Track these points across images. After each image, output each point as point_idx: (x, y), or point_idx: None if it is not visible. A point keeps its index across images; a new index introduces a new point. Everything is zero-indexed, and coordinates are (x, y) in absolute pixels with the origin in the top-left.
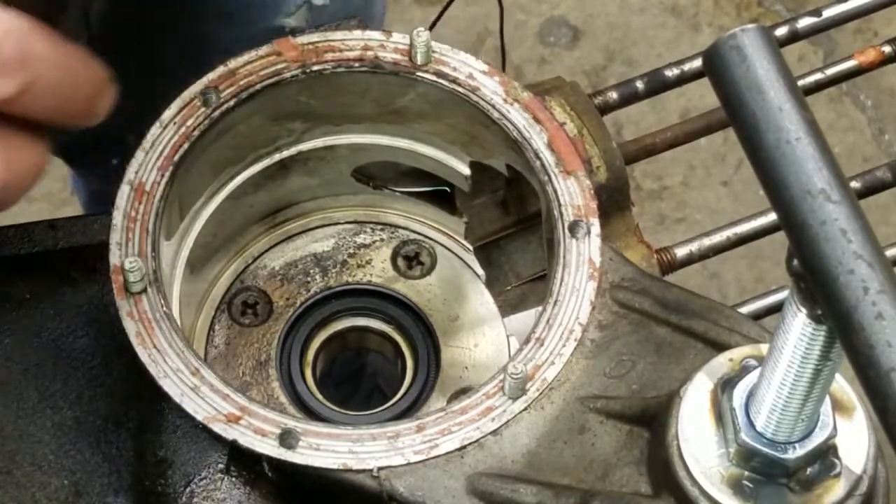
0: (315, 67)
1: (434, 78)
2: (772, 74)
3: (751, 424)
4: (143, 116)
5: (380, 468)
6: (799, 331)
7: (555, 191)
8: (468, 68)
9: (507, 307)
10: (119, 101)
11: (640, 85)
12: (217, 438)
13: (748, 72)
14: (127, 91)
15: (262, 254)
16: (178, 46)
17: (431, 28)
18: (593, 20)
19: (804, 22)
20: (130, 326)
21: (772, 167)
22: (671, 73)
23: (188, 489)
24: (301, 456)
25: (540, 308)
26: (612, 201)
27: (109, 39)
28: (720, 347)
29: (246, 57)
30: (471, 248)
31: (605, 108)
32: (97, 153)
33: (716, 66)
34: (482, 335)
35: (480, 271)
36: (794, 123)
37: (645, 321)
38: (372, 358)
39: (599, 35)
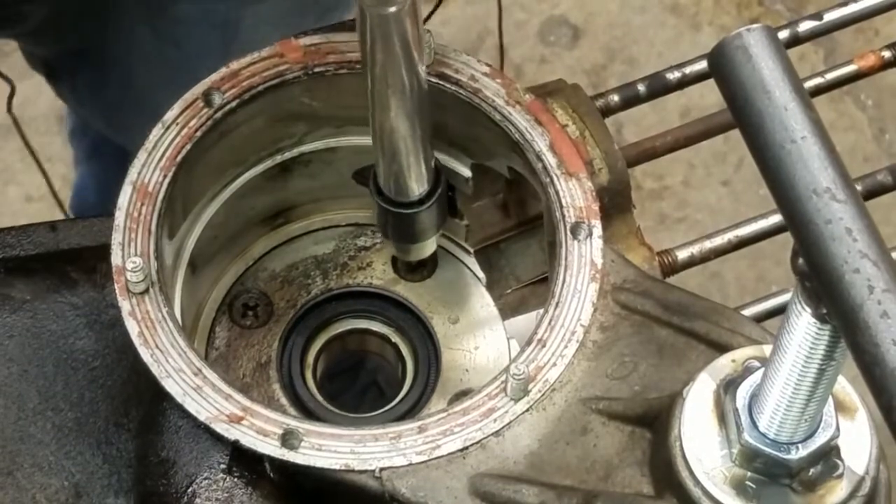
0: (317, 69)
1: (436, 80)
2: (777, 74)
3: (754, 425)
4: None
5: (382, 469)
6: (803, 330)
7: (556, 192)
8: (470, 70)
9: (508, 310)
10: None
11: (641, 88)
12: (219, 438)
13: (754, 71)
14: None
15: (263, 255)
16: None
17: (425, 22)
18: (594, 19)
19: (805, 25)
20: (132, 326)
21: (777, 166)
22: (672, 75)
23: (190, 489)
24: (303, 456)
25: (540, 311)
26: (614, 203)
27: None
28: (722, 349)
29: (248, 58)
30: (471, 250)
31: (607, 111)
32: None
33: (721, 66)
34: (482, 338)
35: (481, 274)
36: (800, 123)
37: (647, 323)
38: (370, 357)
39: (600, 34)
